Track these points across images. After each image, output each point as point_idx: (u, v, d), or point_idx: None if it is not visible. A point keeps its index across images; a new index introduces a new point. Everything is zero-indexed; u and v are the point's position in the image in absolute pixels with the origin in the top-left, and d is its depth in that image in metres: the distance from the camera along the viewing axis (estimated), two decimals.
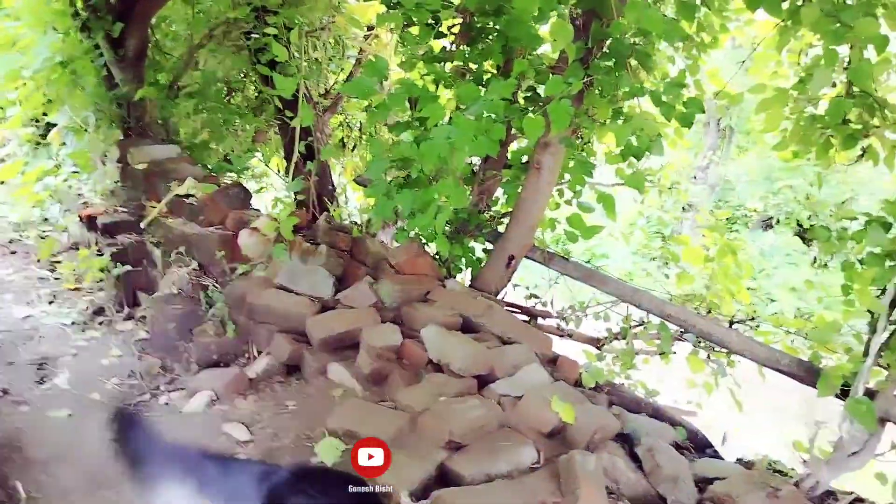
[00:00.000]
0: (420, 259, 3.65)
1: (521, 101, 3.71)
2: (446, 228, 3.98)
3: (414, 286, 3.48)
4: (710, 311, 3.66)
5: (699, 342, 3.55)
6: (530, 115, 2.96)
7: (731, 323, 3.57)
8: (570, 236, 3.79)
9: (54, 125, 5.02)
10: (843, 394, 2.60)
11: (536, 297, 4.13)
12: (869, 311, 2.58)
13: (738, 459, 3.14)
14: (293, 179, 3.88)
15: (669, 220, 13.14)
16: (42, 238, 4.80)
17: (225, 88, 5.57)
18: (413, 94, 3.12)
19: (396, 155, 3.37)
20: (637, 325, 3.79)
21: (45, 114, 5.06)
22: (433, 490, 2.23)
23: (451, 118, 3.12)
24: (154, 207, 3.88)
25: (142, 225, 3.88)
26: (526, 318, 3.92)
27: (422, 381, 2.85)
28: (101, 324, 3.71)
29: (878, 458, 2.49)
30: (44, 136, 5.33)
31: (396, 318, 3.30)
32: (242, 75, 5.65)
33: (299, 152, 3.95)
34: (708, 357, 3.56)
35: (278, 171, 5.90)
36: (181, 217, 3.88)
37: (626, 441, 2.83)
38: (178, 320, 3.42)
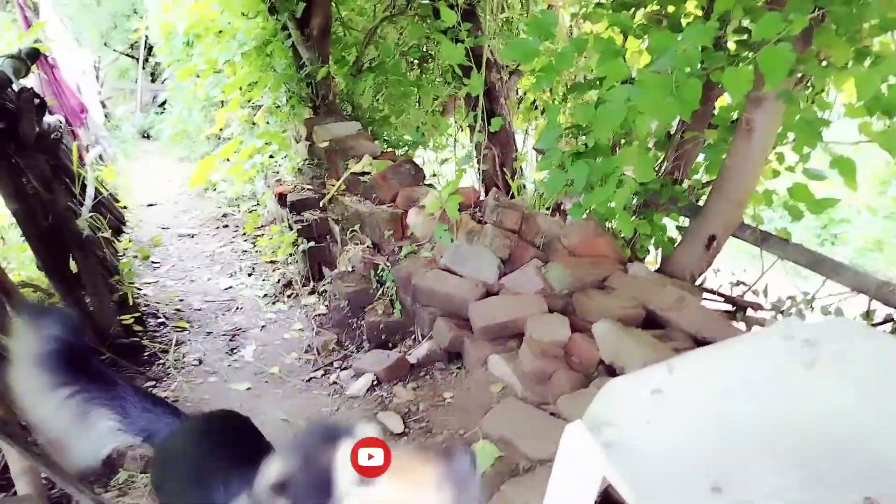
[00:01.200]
0: (598, 239, 3.21)
1: (733, 48, 3.00)
2: (632, 203, 3.47)
3: (589, 270, 3.06)
4: None
5: None
6: (737, 66, 2.32)
7: None
8: (792, 211, 3.05)
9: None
10: None
11: (745, 283, 3.42)
12: None
13: None
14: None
15: None
16: (249, 212, 5.29)
17: (411, 60, 5.51)
18: (585, 50, 2.65)
19: (573, 121, 2.96)
20: (882, 323, 2.94)
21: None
22: None
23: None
24: (333, 185, 3.96)
25: (321, 203, 3.99)
26: (729, 309, 3.28)
27: (590, 387, 2.48)
28: (288, 297, 3.94)
29: None
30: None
31: (567, 307, 2.93)
32: (436, 44, 5.49)
33: (482, 121, 3.71)
34: None
35: (457, 143, 5.76)
36: (357, 194, 3.91)
37: None
38: (351, 298, 3.47)
